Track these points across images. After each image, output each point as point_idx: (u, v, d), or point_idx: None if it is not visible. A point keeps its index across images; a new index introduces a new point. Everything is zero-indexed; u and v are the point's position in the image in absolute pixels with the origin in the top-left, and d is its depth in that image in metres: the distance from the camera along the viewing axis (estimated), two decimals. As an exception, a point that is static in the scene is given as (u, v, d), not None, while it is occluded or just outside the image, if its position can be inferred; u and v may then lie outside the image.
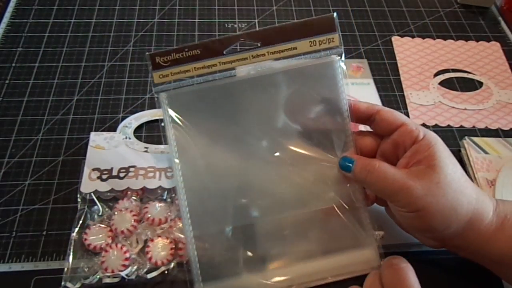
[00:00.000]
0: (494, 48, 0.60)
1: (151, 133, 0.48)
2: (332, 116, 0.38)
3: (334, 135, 0.38)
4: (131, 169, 0.43)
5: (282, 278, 0.37)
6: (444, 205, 0.32)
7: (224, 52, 0.36)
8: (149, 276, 0.38)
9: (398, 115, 0.36)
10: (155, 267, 0.38)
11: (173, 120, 0.37)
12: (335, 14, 0.37)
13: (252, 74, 0.38)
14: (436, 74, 0.57)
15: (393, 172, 0.33)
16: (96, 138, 0.46)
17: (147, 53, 0.37)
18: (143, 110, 0.50)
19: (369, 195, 0.38)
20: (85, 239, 0.39)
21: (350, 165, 0.36)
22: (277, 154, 0.38)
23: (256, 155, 0.38)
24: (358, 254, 0.38)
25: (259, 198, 0.37)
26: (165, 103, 0.37)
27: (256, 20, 0.61)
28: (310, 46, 0.37)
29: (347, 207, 0.38)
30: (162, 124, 0.38)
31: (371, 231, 0.38)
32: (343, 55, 0.38)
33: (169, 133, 0.37)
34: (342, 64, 0.38)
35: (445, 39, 0.61)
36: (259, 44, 0.37)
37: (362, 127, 0.41)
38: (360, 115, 0.37)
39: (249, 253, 0.37)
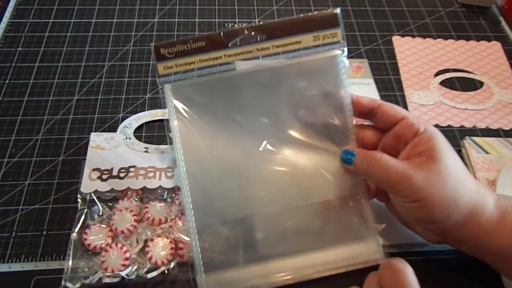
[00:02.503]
0: (495, 47, 0.60)
1: (151, 133, 0.48)
2: (334, 110, 0.38)
3: (336, 129, 0.38)
4: (131, 169, 0.43)
5: (283, 269, 0.37)
6: (445, 195, 0.32)
7: (229, 45, 0.37)
8: (149, 276, 0.38)
9: (399, 109, 0.37)
10: (155, 267, 0.38)
11: (176, 111, 0.37)
12: (338, 9, 0.37)
13: (255, 67, 0.38)
14: (436, 74, 0.57)
15: (394, 162, 0.34)
16: (97, 139, 0.46)
17: (152, 44, 0.37)
18: (143, 110, 0.50)
19: (370, 187, 0.39)
20: (85, 239, 0.39)
21: (351, 157, 0.36)
22: (279, 146, 0.38)
23: (258, 147, 0.38)
24: (360, 247, 0.38)
25: (261, 190, 0.38)
26: (169, 94, 0.37)
27: (256, 20, 0.61)
28: (314, 40, 0.37)
29: (348, 199, 0.38)
30: (166, 115, 0.38)
31: (373, 224, 0.38)
32: (346, 49, 0.38)
33: (172, 124, 0.37)
34: (345, 59, 0.38)
35: (445, 39, 0.61)
36: (264, 37, 0.37)
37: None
38: (362, 109, 0.38)
39: (251, 245, 0.37)
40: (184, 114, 0.37)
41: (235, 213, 0.37)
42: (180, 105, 0.37)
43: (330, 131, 0.38)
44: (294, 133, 0.38)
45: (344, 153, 0.37)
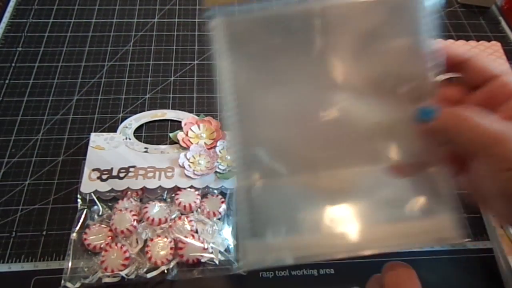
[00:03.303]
0: (495, 48, 0.60)
1: (151, 133, 0.48)
2: (412, 60, 0.32)
3: (411, 83, 0.32)
4: (131, 169, 0.43)
5: (342, 240, 0.32)
6: None
7: None
8: (149, 275, 0.38)
9: (495, 65, 0.31)
10: (154, 267, 0.38)
11: (227, 49, 0.31)
12: None
13: (323, 2, 0.32)
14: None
15: (489, 121, 0.28)
16: (96, 139, 0.46)
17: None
18: (143, 110, 0.50)
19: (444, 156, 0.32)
20: (85, 239, 0.39)
21: (431, 114, 0.30)
22: (342, 103, 0.33)
23: (319, 103, 0.33)
24: (432, 222, 0.32)
25: (319, 150, 0.33)
26: (219, 29, 0.31)
27: (256, 20, 0.61)
28: None
29: (420, 167, 0.32)
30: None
31: (448, 196, 0.32)
32: None
33: (220, 65, 0.31)
34: None
35: (445, 39, 0.61)
36: None
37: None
38: (448, 61, 0.32)
39: (306, 209, 0.32)
40: (235, 54, 0.31)
41: (288, 172, 0.32)
42: (230, 44, 0.31)
43: (404, 85, 0.32)
44: (361, 88, 0.32)
45: (421, 109, 0.31)
